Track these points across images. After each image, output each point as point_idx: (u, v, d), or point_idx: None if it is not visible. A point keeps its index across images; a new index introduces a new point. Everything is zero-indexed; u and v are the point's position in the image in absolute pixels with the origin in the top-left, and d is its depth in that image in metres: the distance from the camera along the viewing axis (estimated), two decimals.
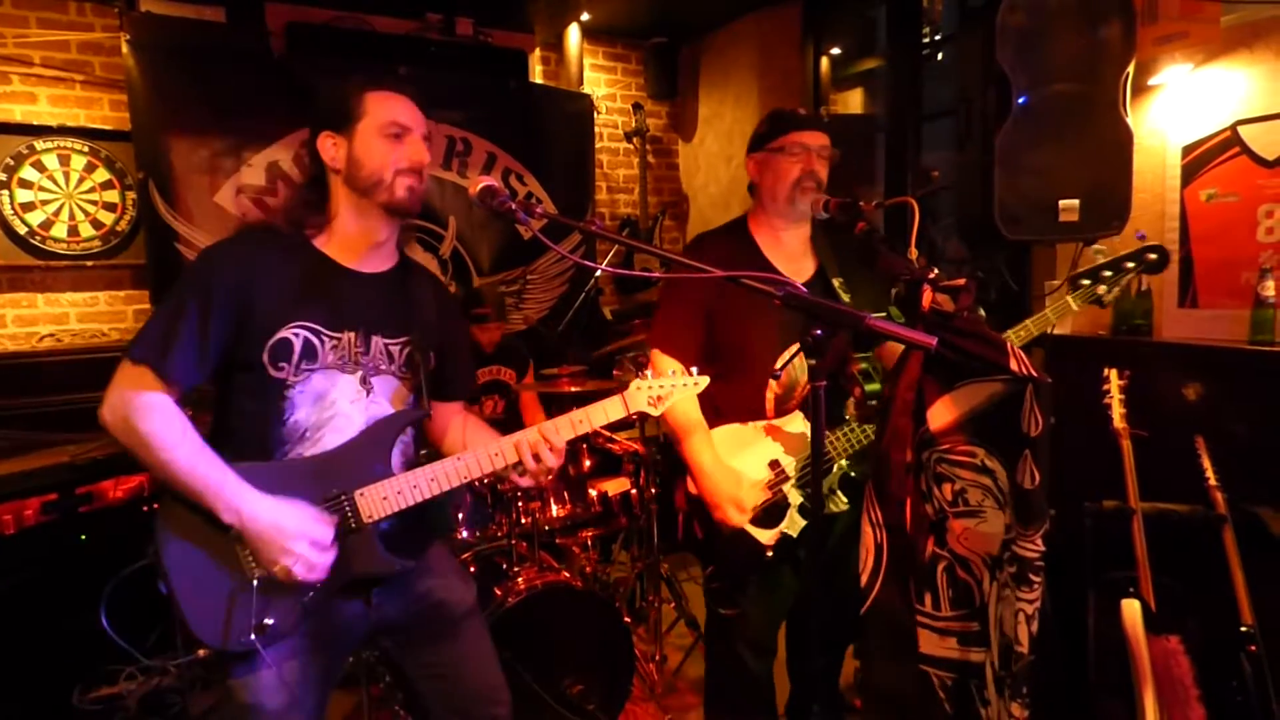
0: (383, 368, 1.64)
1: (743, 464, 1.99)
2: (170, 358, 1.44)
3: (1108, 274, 1.94)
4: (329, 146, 1.59)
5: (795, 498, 2.00)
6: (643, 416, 3.15)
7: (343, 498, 1.53)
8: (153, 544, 1.47)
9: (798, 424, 2.01)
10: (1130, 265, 1.95)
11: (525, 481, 1.66)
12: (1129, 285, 1.97)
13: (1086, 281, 1.96)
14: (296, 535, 1.44)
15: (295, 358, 1.52)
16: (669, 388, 1.69)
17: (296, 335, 1.52)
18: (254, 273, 1.51)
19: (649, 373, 1.70)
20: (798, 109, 2.13)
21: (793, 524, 1.99)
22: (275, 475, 1.50)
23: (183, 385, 1.48)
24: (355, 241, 1.62)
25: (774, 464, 2.00)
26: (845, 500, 2.01)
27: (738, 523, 1.93)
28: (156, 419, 1.43)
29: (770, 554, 1.98)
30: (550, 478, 1.67)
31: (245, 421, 1.53)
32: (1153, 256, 1.95)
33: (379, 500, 1.55)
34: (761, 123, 2.14)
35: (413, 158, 1.60)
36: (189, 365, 1.46)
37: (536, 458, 1.61)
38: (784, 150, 2.04)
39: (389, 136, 1.58)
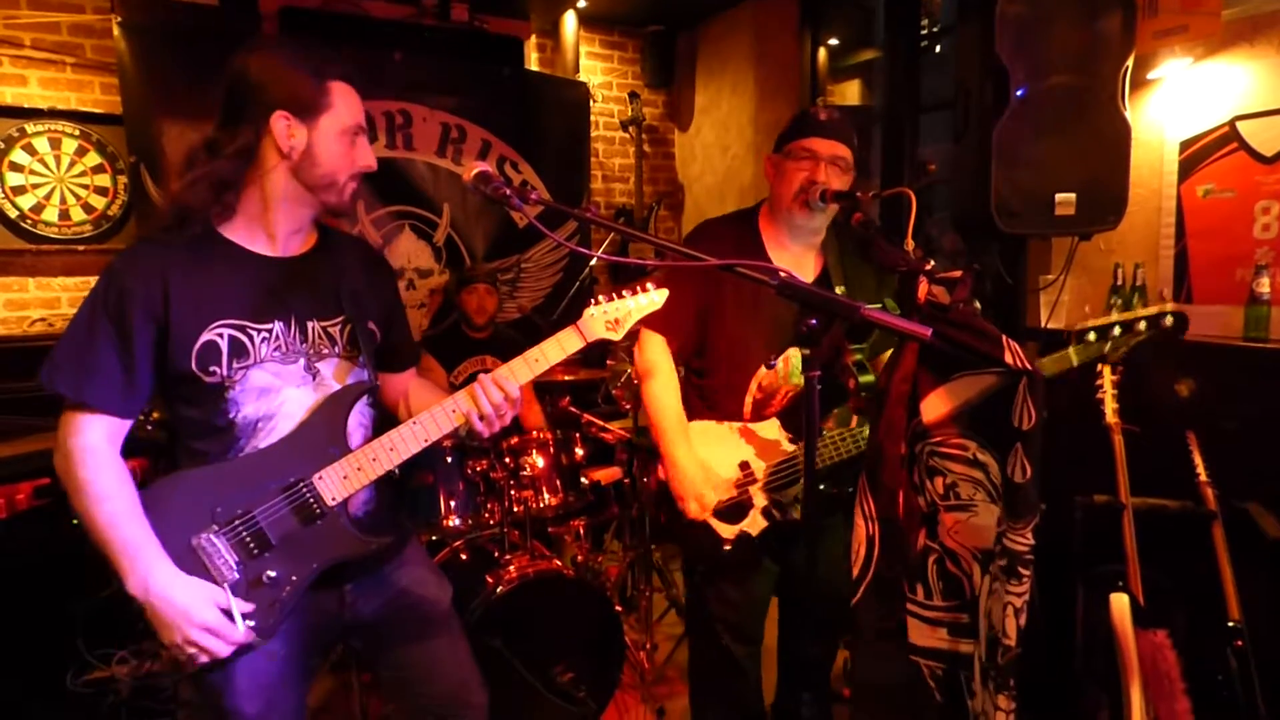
0: (325, 352, 1.56)
1: (713, 460, 1.99)
2: (95, 390, 1.38)
3: (1117, 333, 1.77)
4: (283, 130, 1.44)
5: (760, 500, 2.00)
6: (635, 406, 3.16)
7: (301, 485, 1.47)
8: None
9: (772, 431, 2.01)
10: (1143, 328, 1.76)
11: (484, 429, 1.54)
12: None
13: (1093, 337, 1.79)
14: (198, 625, 1.37)
15: (225, 358, 1.44)
16: (627, 308, 1.59)
17: (221, 336, 1.44)
18: (165, 282, 1.40)
19: (602, 298, 1.59)
20: (823, 111, 2.01)
21: (754, 524, 1.99)
22: (232, 473, 1.46)
23: (117, 416, 1.41)
24: (272, 228, 1.51)
25: (744, 465, 2.00)
26: None
27: (697, 517, 1.94)
28: (88, 466, 1.37)
29: (728, 548, 1.98)
30: (505, 421, 1.55)
31: (194, 428, 1.48)
32: (1169, 322, 1.75)
33: (339, 480, 1.49)
34: (789, 121, 2.07)
35: (366, 162, 1.54)
36: (116, 396, 1.40)
37: (494, 407, 1.52)
38: (791, 155, 1.97)
39: (349, 137, 1.50)
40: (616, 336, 1.59)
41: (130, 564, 1.36)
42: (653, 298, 1.61)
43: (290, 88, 1.44)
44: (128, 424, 1.44)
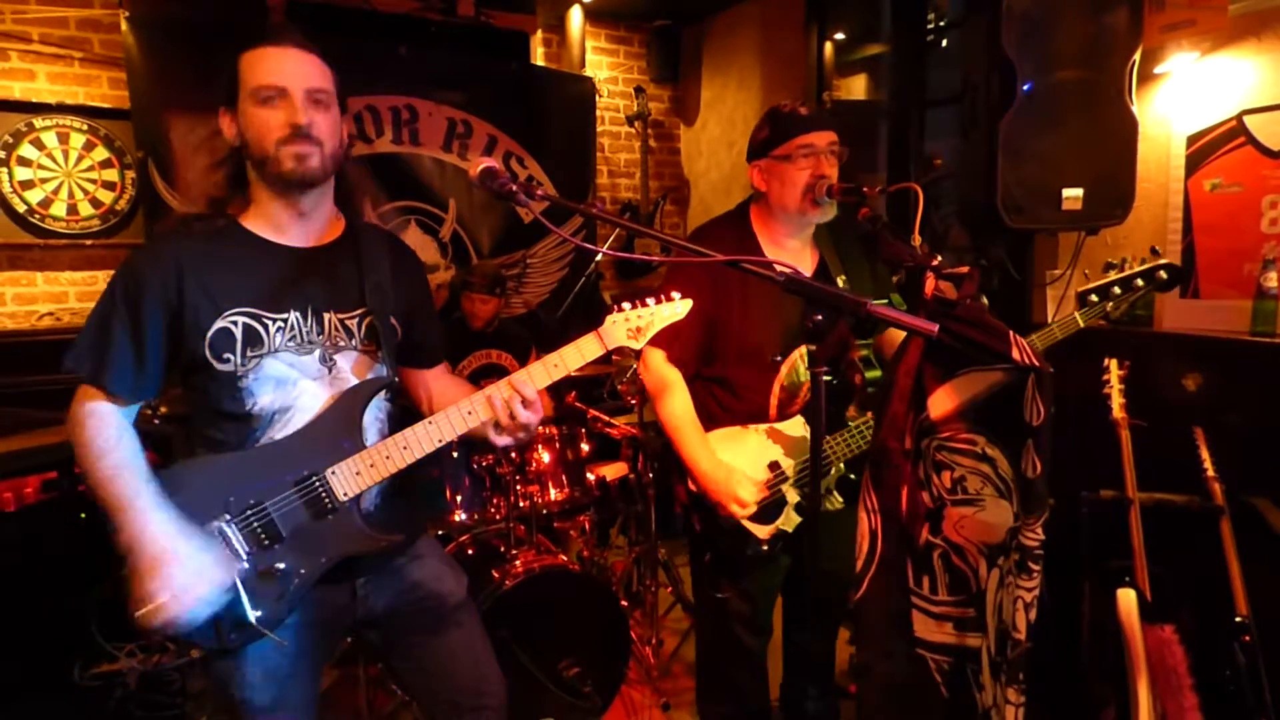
0: (342, 344, 1.55)
1: (742, 464, 1.99)
2: (108, 374, 1.41)
3: (1117, 291, 1.92)
4: (227, 124, 1.48)
5: (792, 496, 2.01)
6: (641, 402, 3.16)
7: (314, 479, 1.47)
8: None
9: (798, 428, 2.02)
10: (1140, 284, 1.92)
11: (502, 440, 1.54)
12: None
13: (1095, 298, 1.93)
14: (169, 583, 1.32)
15: (239, 346, 1.45)
16: (649, 316, 1.55)
17: (235, 324, 1.45)
18: (181, 272, 1.43)
19: (625, 305, 1.55)
20: (799, 106, 2.00)
21: (788, 520, 2.01)
22: (248, 464, 1.46)
23: (128, 399, 1.44)
24: (279, 216, 1.52)
25: (773, 465, 2.01)
26: (840, 500, 2.03)
27: (740, 517, 1.94)
28: (90, 426, 1.41)
29: (766, 548, 2.00)
30: (528, 434, 1.55)
31: (212, 418, 1.49)
32: (1164, 275, 1.91)
33: (351, 476, 1.49)
34: (760, 125, 2.03)
35: (290, 120, 1.42)
36: (128, 380, 1.43)
37: (511, 413, 1.51)
38: (790, 158, 1.94)
39: (262, 103, 1.43)
40: (638, 345, 1.56)
41: (121, 516, 1.36)
42: (676, 308, 1.58)
43: (223, 80, 1.46)
44: (136, 405, 1.48)
